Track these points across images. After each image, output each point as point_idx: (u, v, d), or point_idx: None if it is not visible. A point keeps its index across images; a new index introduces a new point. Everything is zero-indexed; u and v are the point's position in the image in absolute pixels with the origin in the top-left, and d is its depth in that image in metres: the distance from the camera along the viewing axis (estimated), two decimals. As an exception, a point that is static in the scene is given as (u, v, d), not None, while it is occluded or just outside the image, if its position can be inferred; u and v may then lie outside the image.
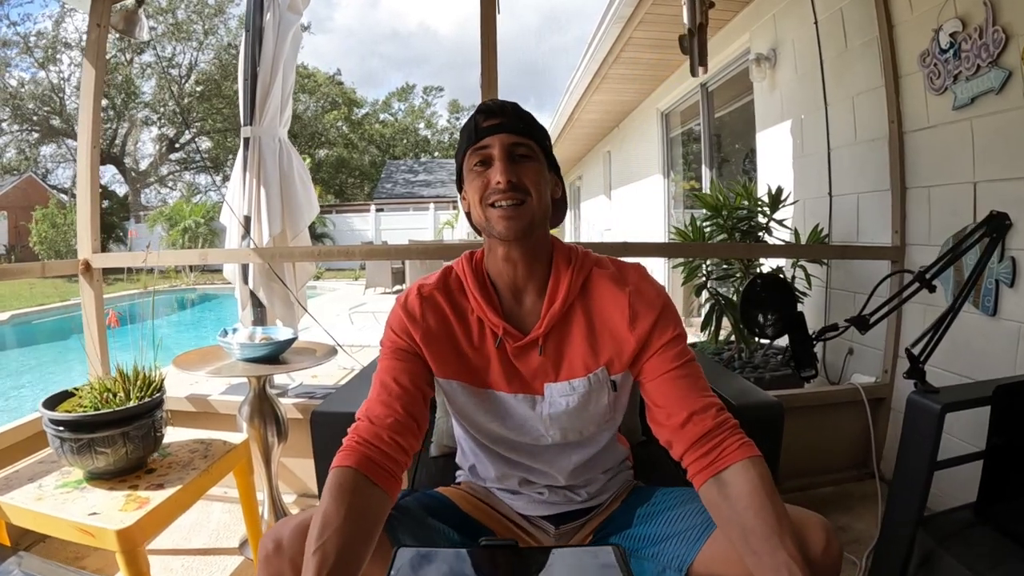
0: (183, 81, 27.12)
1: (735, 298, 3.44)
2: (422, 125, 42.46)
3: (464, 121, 1.29)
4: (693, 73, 2.80)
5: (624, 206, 9.47)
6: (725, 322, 3.50)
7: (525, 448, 1.29)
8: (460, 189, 1.28)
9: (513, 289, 1.27)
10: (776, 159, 4.12)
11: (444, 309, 1.26)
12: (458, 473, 1.48)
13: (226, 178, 3.26)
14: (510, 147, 1.19)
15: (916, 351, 1.60)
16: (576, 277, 1.24)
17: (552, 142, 1.31)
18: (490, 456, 1.34)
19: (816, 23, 3.40)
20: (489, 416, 1.26)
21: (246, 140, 2.89)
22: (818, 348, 1.71)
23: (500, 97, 2.22)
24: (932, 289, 1.62)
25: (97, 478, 1.68)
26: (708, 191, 4.39)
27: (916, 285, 1.63)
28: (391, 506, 1.09)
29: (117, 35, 2.85)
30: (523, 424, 1.25)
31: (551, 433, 1.24)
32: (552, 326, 1.22)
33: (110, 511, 1.52)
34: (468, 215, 1.28)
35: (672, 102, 6.80)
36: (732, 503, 1.02)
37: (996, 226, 1.61)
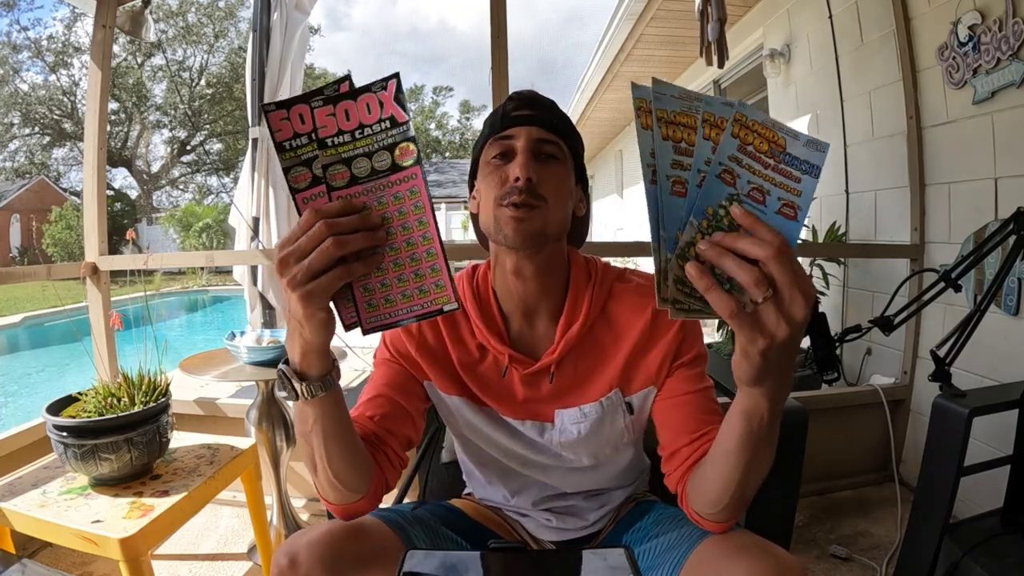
0: (194, 84, 27.25)
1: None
2: (433, 126, 42.47)
3: (484, 117, 1.16)
4: (720, 65, 2.75)
5: (637, 205, 9.42)
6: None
7: (537, 465, 1.19)
8: (472, 187, 1.15)
9: (523, 310, 1.13)
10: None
11: (440, 330, 1.15)
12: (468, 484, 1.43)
13: (237, 180, 3.24)
14: (536, 142, 1.04)
15: (941, 353, 1.55)
16: (596, 296, 1.11)
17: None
18: (499, 474, 1.25)
19: (831, 17, 3.35)
20: (499, 433, 1.17)
21: (254, 141, 2.86)
22: (837, 349, 1.66)
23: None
24: (958, 289, 1.57)
25: (102, 484, 1.66)
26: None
27: (941, 285, 1.58)
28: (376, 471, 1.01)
29: (127, 38, 2.84)
30: (532, 446, 1.17)
31: (563, 458, 1.17)
32: (567, 351, 1.10)
33: (113, 519, 1.49)
34: (474, 218, 1.16)
35: (684, 100, 6.70)
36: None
37: (1023, 223, 1.56)
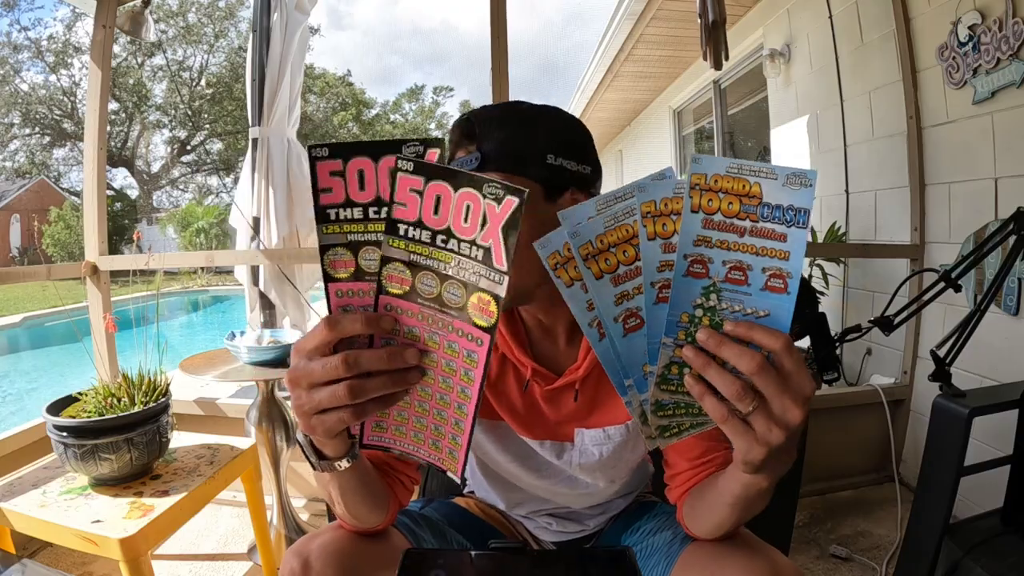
0: (194, 84, 27.24)
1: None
2: (433, 125, 42.50)
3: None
4: (717, 67, 2.74)
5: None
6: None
7: (544, 487, 1.16)
8: None
9: (542, 328, 1.06)
10: (791, 156, 4.06)
11: None
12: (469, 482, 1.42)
13: (237, 180, 3.25)
14: None
15: (941, 353, 1.55)
16: None
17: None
18: (501, 488, 1.23)
19: (831, 17, 3.35)
20: (510, 453, 1.12)
21: (254, 141, 2.86)
22: (837, 349, 1.66)
23: (515, 94, 1.84)
24: (958, 289, 1.57)
25: (102, 484, 1.66)
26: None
27: (941, 285, 1.58)
28: (391, 499, 0.98)
29: (127, 38, 2.84)
30: (546, 466, 1.12)
31: (578, 480, 1.13)
32: (593, 367, 1.01)
33: (114, 519, 1.49)
34: None
35: (684, 100, 6.75)
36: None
37: (1023, 223, 1.56)
